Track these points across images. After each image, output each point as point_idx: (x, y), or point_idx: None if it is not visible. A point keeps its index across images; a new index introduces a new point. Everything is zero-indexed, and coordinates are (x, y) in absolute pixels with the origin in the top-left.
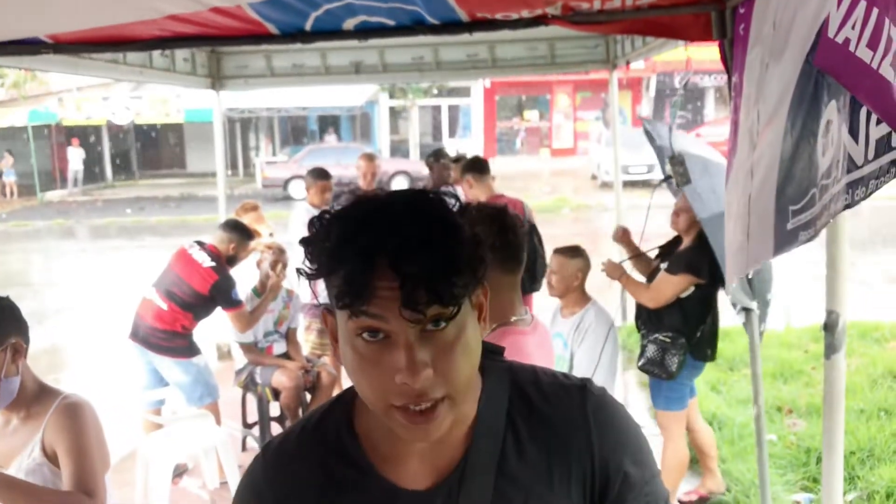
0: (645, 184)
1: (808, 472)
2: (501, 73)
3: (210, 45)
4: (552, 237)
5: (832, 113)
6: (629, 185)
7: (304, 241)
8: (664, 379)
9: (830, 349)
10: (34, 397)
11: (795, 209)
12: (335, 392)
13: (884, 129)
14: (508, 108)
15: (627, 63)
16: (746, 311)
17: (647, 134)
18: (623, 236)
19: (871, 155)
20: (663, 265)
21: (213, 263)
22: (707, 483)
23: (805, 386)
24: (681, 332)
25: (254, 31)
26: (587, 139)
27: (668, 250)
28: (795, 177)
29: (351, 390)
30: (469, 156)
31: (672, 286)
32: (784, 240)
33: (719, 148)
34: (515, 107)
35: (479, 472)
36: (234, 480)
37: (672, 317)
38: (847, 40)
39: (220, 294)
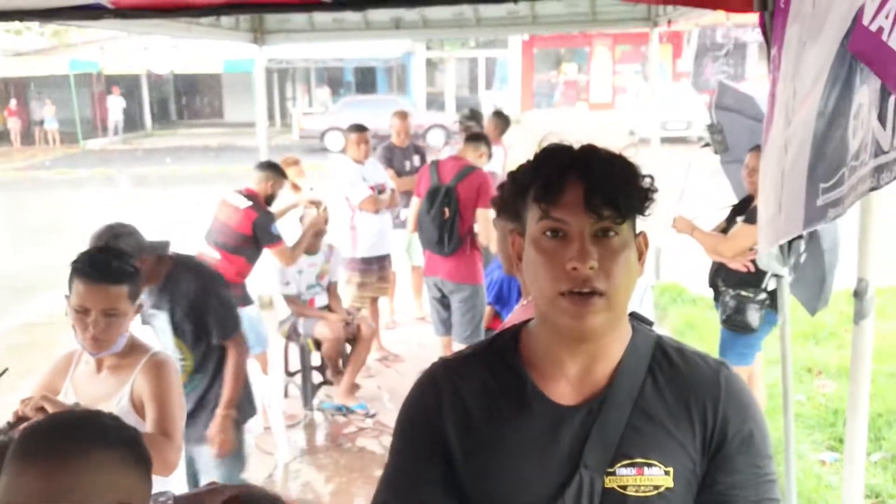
0: (683, 140)
1: (834, 432)
2: (541, 30)
3: (262, 12)
4: None
5: (863, 97)
6: (667, 141)
7: (511, 173)
8: (744, 333)
9: (859, 315)
10: (127, 350)
11: (826, 186)
12: (374, 343)
13: None
14: (546, 61)
15: (669, 21)
16: (778, 277)
17: (722, 94)
18: (685, 226)
19: None
20: (739, 218)
21: (251, 203)
22: None
23: (837, 348)
24: (760, 286)
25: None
26: (625, 93)
27: (740, 209)
28: (826, 155)
29: (517, 325)
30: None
31: (750, 234)
32: (813, 215)
33: None
34: (553, 59)
35: (619, 402)
36: (278, 427)
37: (751, 272)
38: (881, 29)
39: (260, 230)
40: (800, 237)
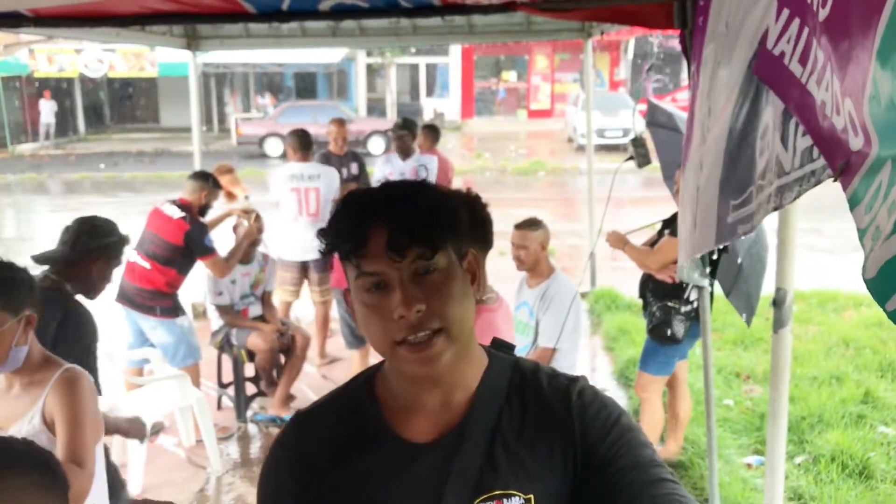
0: (620, 148)
1: (761, 436)
2: (478, 39)
3: (188, 22)
4: (528, 200)
5: (769, 118)
6: (604, 148)
7: (320, 230)
8: (669, 344)
9: (778, 324)
10: (38, 366)
11: (735, 204)
12: (308, 354)
13: (808, 140)
14: (486, 68)
15: (602, 32)
16: (700, 288)
17: (653, 111)
18: (617, 240)
19: (797, 163)
20: (667, 231)
21: (184, 214)
22: (669, 446)
23: (764, 353)
24: (685, 299)
25: (231, 10)
26: (565, 101)
27: (670, 223)
28: (736, 173)
29: (374, 366)
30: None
31: (676, 248)
32: (725, 232)
33: None
34: (494, 66)
35: (475, 434)
36: (209, 439)
37: (677, 284)
38: (782, 53)
39: (193, 242)
40: (725, 251)
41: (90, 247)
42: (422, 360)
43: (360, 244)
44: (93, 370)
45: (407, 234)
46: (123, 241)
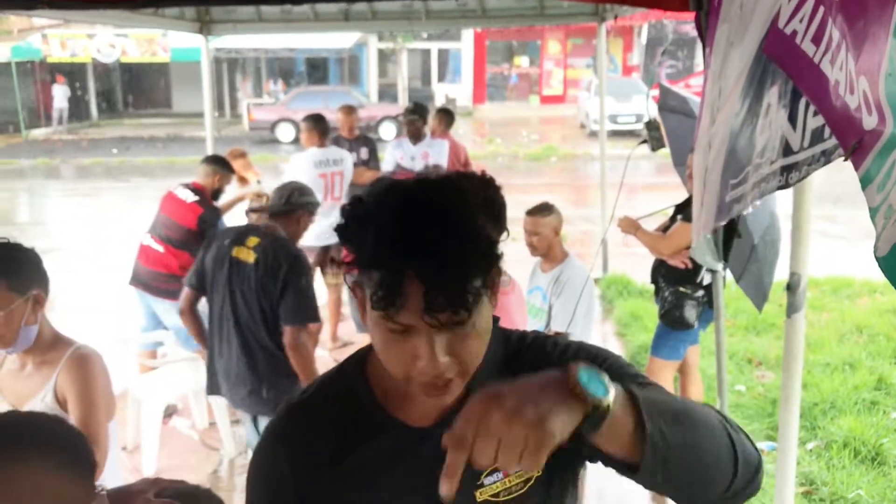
0: (633, 133)
1: (772, 421)
2: (491, 23)
3: (201, 4)
4: (540, 186)
5: (773, 97)
6: (617, 134)
7: (340, 230)
8: (681, 329)
9: (791, 308)
10: (49, 345)
11: (734, 183)
12: (319, 337)
13: (820, 120)
14: (499, 53)
15: (616, 16)
16: (713, 273)
17: (665, 95)
18: (629, 225)
19: (806, 143)
20: (680, 216)
21: (197, 197)
22: None
23: (776, 339)
24: (697, 284)
25: None
26: (577, 87)
27: (682, 208)
28: (737, 153)
29: (363, 349)
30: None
31: (688, 233)
32: (722, 210)
33: None
34: (506, 52)
35: None
36: (223, 422)
37: (689, 270)
38: (794, 32)
39: (206, 225)
40: (738, 236)
41: (300, 202)
42: (435, 397)
43: (395, 294)
44: (312, 298)
45: (444, 296)
46: (318, 203)
